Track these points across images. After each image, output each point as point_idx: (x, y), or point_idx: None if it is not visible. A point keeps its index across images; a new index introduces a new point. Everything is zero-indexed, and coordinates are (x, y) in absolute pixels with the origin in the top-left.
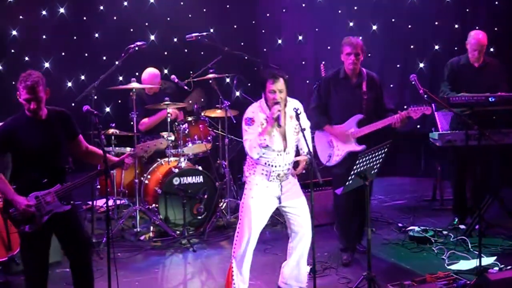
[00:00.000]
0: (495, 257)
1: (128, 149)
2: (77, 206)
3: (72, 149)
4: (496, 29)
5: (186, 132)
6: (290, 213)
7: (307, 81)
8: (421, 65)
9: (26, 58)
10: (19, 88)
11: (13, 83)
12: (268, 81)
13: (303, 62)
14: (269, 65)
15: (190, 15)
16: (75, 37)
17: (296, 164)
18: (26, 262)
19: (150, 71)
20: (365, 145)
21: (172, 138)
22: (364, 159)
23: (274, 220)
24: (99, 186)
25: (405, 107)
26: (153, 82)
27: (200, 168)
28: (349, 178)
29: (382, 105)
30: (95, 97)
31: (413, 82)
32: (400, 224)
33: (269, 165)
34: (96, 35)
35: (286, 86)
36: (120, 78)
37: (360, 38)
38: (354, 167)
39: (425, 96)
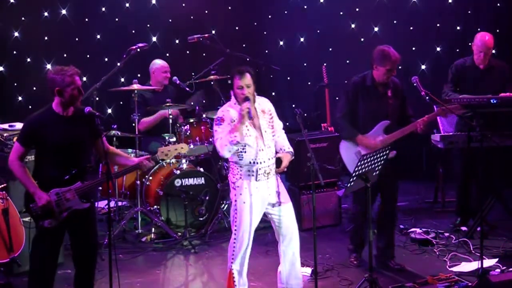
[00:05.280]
0: (496, 259)
1: (129, 150)
2: (95, 206)
3: (95, 149)
4: (498, 30)
5: (188, 133)
6: (276, 215)
7: (309, 83)
8: (423, 66)
9: (28, 60)
10: (66, 79)
11: (15, 84)
12: (236, 77)
13: (305, 64)
14: (270, 66)
15: (192, 17)
16: (76, 39)
17: (278, 162)
18: (35, 258)
19: (160, 62)
20: (395, 151)
21: (174, 139)
22: (365, 161)
23: None
24: (100, 188)
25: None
26: (165, 70)
27: (201, 169)
28: (351, 180)
29: (405, 112)
30: (97, 99)
31: (414, 84)
32: (401, 226)
33: (254, 163)
34: (98, 36)
35: (254, 81)
36: (122, 80)
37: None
38: (356, 168)
39: (427, 98)
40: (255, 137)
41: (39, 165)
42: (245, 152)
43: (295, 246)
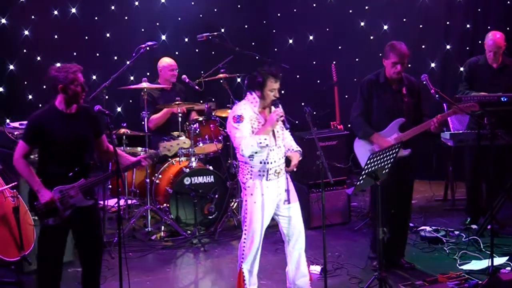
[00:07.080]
0: (507, 257)
1: (139, 148)
2: (98, 203)
3: (95, 147)
4: (508, 28)
5: (197, 132)
6: (284, 215)
7: (318, 81)
8: (433, 65)
9: (38, 58)
10: (69, 76)
11: (25, 83)
12: (270, 79)
13: (314, 62)
14: (279, 64)
15: (201, 15)
16: (86, 37)
17: (288, 161)
18: (41, 257)
19: (167, 60)
20: (410, 149)
21: (183, 137)
22: (375, 159)
23: None
24: (110, 186)
25: None
26: (172, 68)
27: (211, 168)
28: (360, 178)
29: (420, 110)
30: (107, 97)
31: (424, 82)
32: (411, 224)
33: (265, 163)
34: (108, 35)
35: None
36: (131, 78)
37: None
38: (365, 166)
39: (436, 96)
40: (269, 137)
41: (43, 162)
42: (256, 152)
43: (301, 246)
